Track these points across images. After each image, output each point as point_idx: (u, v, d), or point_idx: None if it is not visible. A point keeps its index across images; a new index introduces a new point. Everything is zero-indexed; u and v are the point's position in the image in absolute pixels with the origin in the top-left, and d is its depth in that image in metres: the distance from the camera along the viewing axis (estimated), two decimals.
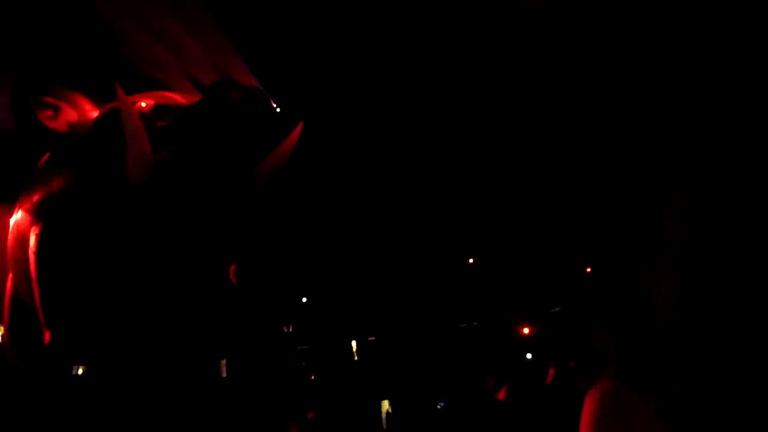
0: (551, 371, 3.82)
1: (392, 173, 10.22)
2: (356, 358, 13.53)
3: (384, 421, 11.94)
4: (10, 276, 3.32)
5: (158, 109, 3.15)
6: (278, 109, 3.12)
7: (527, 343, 12.68)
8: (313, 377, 12.90)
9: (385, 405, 12.12)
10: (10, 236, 3.31)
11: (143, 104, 3.15)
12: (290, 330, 14.43)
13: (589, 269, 12.76)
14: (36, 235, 3.12)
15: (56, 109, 3.20)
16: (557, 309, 12.66)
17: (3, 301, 3.42)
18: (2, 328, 3.35)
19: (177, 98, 3.27)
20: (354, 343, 13.55)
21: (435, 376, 10.86)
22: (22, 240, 3.21)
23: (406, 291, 12.28)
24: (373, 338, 13.39)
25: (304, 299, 14.25)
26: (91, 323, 2.93)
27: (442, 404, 3.57)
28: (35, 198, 3.21)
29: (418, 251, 11.81)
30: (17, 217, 3.26)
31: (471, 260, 12.26)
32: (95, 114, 3.20)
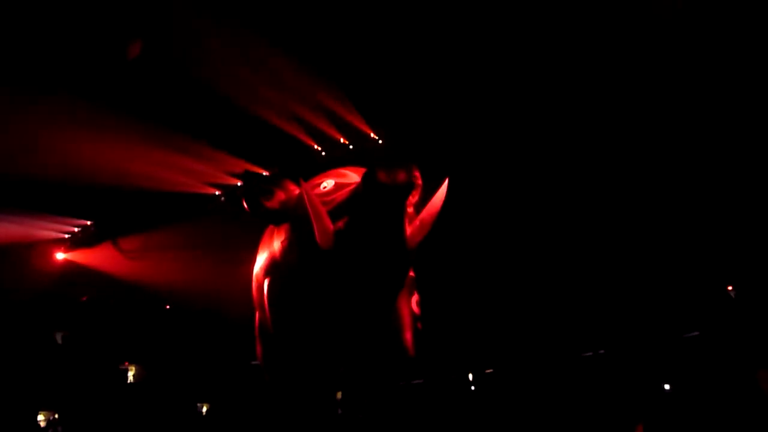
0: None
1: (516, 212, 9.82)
2: (473, 388, 12.89)
3: None
4: (257, 314, 4.75)
5: (338, 187, 3.92)
6: (419, 182, 3.84)
7: (662, 373, 11.48)
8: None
9: None
10: (253, 284, 4.67)
11: (325, 185, 4.01)
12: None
13: (730, 287, 11.48)
14: (266, 286, 4.27)
15: (271, 193, 4.17)
16: (695, 333, 11.41)
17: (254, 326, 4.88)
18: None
19: (351, 175, 4.05)
20: (471, 376, 12.87)
21: (563, 415, 10.00)
22: (260, 287, 4.40)
23: (525, 318, 11.52)
24: (490, 370, 12.67)
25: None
26: (305, 341, 4.10)
27: None
28: (264, 257, 4.39)
29: (532, 275, 11.10)
30: (256, 270, 4.57)
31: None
32: (297, 192, 4.19)
